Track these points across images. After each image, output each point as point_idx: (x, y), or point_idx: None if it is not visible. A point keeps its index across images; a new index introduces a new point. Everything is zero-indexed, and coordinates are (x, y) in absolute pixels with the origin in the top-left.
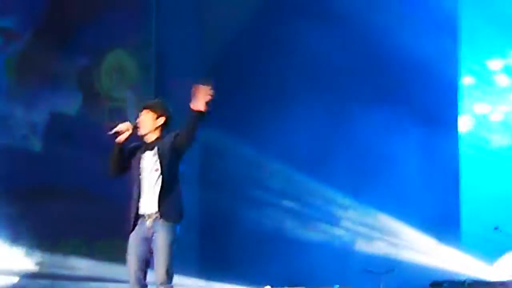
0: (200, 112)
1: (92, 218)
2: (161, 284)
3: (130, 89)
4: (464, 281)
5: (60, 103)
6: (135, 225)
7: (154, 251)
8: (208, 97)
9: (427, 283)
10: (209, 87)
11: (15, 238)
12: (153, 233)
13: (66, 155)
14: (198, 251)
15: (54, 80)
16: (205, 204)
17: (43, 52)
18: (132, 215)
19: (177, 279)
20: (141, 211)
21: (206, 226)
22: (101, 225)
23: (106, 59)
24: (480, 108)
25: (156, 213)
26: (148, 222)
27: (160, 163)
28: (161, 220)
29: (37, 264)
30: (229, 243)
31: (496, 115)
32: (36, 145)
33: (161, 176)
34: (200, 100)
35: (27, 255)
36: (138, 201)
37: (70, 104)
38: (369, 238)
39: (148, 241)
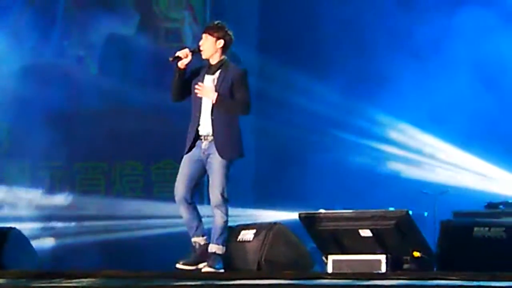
0: (214, 103)
1: (149, 139)
2: (216, 206)
3: (186, 10)
4: None
5: (117, 24)
6: (192, 146)
7: (210, 173)
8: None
9: (483, 205)
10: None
11: (72, 158)
12: (208, 154)
13: (122, 76)
14: (253, 182)
15: (111, 0)
16: (259, 134)
17: None
18: (191, 136)
19: (233, 211)
20: (200, 133)
21: (260, 158)
22: (158, 147)
23: None
24: None
25: (212, 135)
26: (204, 144)
27: (219, 90)
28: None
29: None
30: (282, 173)
31: None
32: (93, 66)
33: (217, 102)
34: (207, 96)
35: (82, 175)
36: (198, 123)
37: (127, 25)
38: (423, 162)
39: (201, 162)
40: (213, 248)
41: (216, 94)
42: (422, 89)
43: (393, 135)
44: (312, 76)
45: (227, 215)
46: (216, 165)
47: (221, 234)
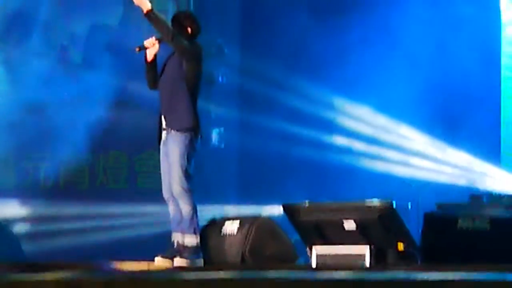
0: (145, 12)
1: (133, 129)
2: (178, 197)
3: (170, 1)
4: (504, 196)
5: (101, 12)
6: (160, 138)
7: (169, 164)
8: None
9: (466, 197)
10: None
11: (55, 150)
12: (167, 145)
13: (105, 65)
14: (237, 179)
15: None
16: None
17: None
18: (158, 127)
19: (217, 207)
20: (162, 124)
21: (244, 154)
22: (141, 136)
23: None
24: None
25: (167, 124)
26: (163, 135)
27: (164, 69)
28: (171, 131)
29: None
30: (265, 169)
31: None
32: (76, 55)
33: (168, 81)
34: (140, 4)
35: (65, 166)
36: (160, 113)
37: (111, 14)
38: (405, 156)
39: (167, 154)
40: (185, 239)
41: (149, 4)
42: (395, 82)
43: (373, 130)
44: (294, 72)
45: (191, 204)
46: (172, 155)
47: (190, 224)
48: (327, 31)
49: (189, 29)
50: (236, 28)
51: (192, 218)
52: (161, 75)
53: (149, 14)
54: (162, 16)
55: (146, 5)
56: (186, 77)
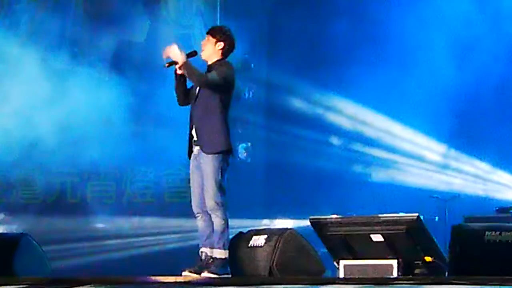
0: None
1: (162, 145)
2: (211, 211)
3: (197, 16)
4: None
5: (128, 30)
6: (190, 152)
7: (203, 179)
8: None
9: (493, 210)
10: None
11: (83, 164)
12: (199, 160)
13: (133, 81)
14: (264, 194)
15: (122, 7)
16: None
17: None
18: (188, 141)
19: (244, 221)
20: (194, 137)
21: (270, 172)
22: (170, 152)
23: None
24: None
25: (199, 144)
26: (196, 149)
27: (199, 90)
28: (205, 153)
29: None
30: (292, 183)
31: None
32: (103, 71)
33: (202, 104)
34: (174, 57)
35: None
36: (192, 127)
37: (138, 31)
38: (433, 169)
39: (199, 167)
40: (214, 252)
41: (184, 57)
42: (418, 96)
43: (400, 142)
44: (320, 86)
45: (224, 218)
46: (206, 170)
47: (220, 238)
48: (356, 45)
49: (221, 44)
50: (263, 43)
51: (223, 232)
52: (197, 94)
53: (184, 66)
54: (194, 67)
55: (179, 59)
56: (220, 99)
